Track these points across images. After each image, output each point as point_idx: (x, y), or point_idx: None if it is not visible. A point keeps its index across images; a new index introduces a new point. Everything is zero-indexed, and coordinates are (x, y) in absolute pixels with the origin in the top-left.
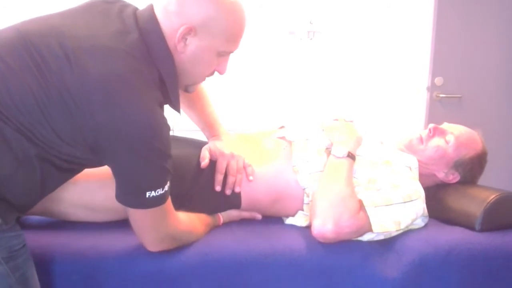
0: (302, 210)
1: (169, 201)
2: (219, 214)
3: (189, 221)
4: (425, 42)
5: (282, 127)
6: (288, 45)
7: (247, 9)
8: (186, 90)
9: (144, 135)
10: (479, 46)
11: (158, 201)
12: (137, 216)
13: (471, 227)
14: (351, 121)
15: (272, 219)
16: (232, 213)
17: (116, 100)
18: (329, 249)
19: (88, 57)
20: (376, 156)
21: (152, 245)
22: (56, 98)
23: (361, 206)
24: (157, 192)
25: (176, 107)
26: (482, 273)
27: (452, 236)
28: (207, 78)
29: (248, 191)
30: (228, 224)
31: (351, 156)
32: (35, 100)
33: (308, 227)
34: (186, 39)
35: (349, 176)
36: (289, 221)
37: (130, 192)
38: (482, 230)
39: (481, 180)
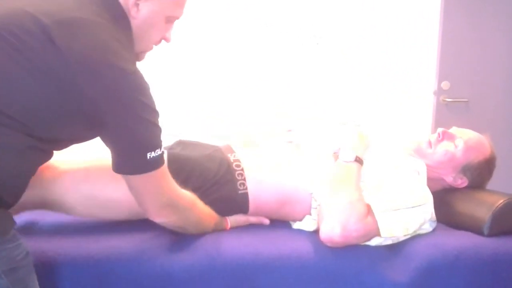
0: (310, 214)
1: (165, 164)
2: (227, 218)
3: (190, 197)
4: (432, 46)
5: (290, 130)
6: (295, 50)
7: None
8: (137, 58)
9: (135, 94)
10: (485, 50)
11: (158, 162)
12: (138, 182)
13: (479, 232)
14: (359, 125)
15: (280, 224)
16: (240, 218)
17: (104, 67)
18: (336, 253)
19: (67, 31)
20: (384, 161)
21: (155, 213)
22: (46, 81)
23: (369, 210)
24: (156, 152)
25: None
26: (490, 278)
27: (460, 241)
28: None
29: (256, 195)
30: (236, 229)
31: (358, 160)
32: (27, 84)
33: (316, 231)
34: (138, 4)
35: (357, 181)
36: (296, 225)
37: (131, 157)
38: (490, 234)
39: (489, 185)
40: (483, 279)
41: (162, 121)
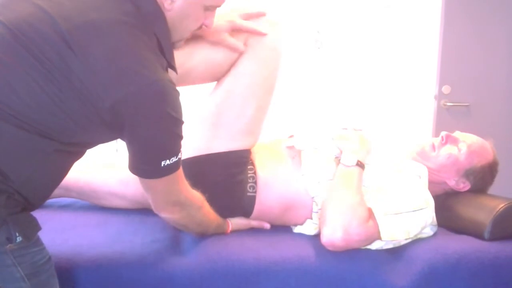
0: (311, 218)
1: (181, 170)
2: (229, 221)
3: (200, 198)
4: (433, 50)
5: (292, 136)
6: (296, 55)
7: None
8: (174, 47)
9: (159, 104)
10: (486, 54)
11: (172, 169)
12: (150, 184)
13: (480, 236)
14: (360, 130)
15: (281, 228)
16: (241, 222)
17: (126, 75)
18: (338, 257)
19: (86, 36)
20: (386, 165)
21: (161, 208)
22: (67, 87)
23: (370, 214)
24: (172, 160)
25: (173, 67)
26: (491, 282)
27: (461, 245)
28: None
29: (262, 200)
30: (238, 232)
31: (360, 164)
32: (47, 95)
33: (317, 235)
34: None
35: (358, 185)
36: (297, 229)
37: (145, 162)
38: (491, 239)
39: (490, 189)
40: (484, 284)
41: None
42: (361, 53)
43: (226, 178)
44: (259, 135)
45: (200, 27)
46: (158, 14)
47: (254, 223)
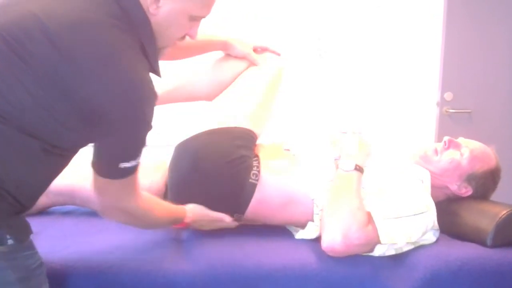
0: (312, 221)
1: (136, 175)
2: (186, 210)
3: (149, 201)
4: (435, 57)
5: (292, 140)
6: (298, 62)
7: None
8: (158, 54)
9: (137, 105)
10: (488, 61)
11: (128, 172)
12: (102, 183)
13: (482, 243)
14: (360, 133)
15: (282, 233)
16: (199, 211)
17: (109, 76)
18: (339, 263)
19: (72, 37)
20: (387, 168)
21: (109, 212)
22: (51, 88)
23: (370, 218)
24: (130, 163)
25: (157, 72)
26: None
27: (463, 252)
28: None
29: (260, 188)
30: (239, 238)
31: (359, 169)
32: (30, 95)
33: (318, 240)
34: (158, 0)
35: (357, 189)
36: (299, 235)
37: (105, 162)
38: (493, 245)
39: (493, 195)
40: None
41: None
42: (363, 59)
43: (231, 150)
44: (261, 130)
45: (184, 37)
46: (144, 18)
47: (213, 214)
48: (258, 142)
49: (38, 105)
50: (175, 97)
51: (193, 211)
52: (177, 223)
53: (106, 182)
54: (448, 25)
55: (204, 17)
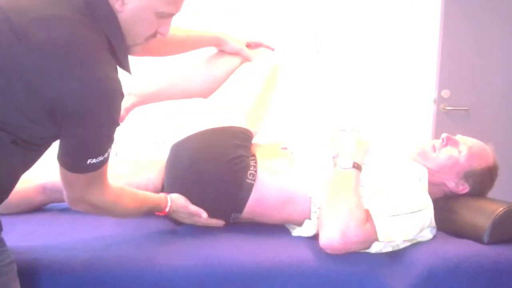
0: (310, 219)
1: (104, 169)
2: (168, 199)
3: (119, 193)
4: (432, 54)
5: (290, 138)
6: (295, 58)
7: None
8: (129, 51)
9: (103, 102)
10: (486, 59)
11: (95, 167)
12: (69, 176)
13: (479, 240)
14: (358, 131)
15: (280, 231)
16: (181, 203)
17: (74, 69)
18: (337, 260)
19: (36, 30)
20: (385, 166)
21: (75, 204)
22: (13, 78)
23: (368, 216)
24: (98, 159)
25: (126, 68)
26: (490, 286)
27: (460, 249)
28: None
29: (258, 188)
30: (236, 236)
31: (356, 166)
32: None
33: (316, 237)
34: None
35: (355, 187)
36: (296, 232)
37: (72, 157)
38: (490, 242)
39: (490, 193)
40: (484, 287)
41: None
42: (360, 57)
43: (228, 149)
44: (258, 129)
45: (155, 35)
46: (110, 14)
47: (192, 208)
48: (255, 140)
49: (2, 95)
50: (169, 95)
51: (175, 201)
52: (158, 211)
53: (73, 176)
54: (445, 22)
55: (173, 14)
